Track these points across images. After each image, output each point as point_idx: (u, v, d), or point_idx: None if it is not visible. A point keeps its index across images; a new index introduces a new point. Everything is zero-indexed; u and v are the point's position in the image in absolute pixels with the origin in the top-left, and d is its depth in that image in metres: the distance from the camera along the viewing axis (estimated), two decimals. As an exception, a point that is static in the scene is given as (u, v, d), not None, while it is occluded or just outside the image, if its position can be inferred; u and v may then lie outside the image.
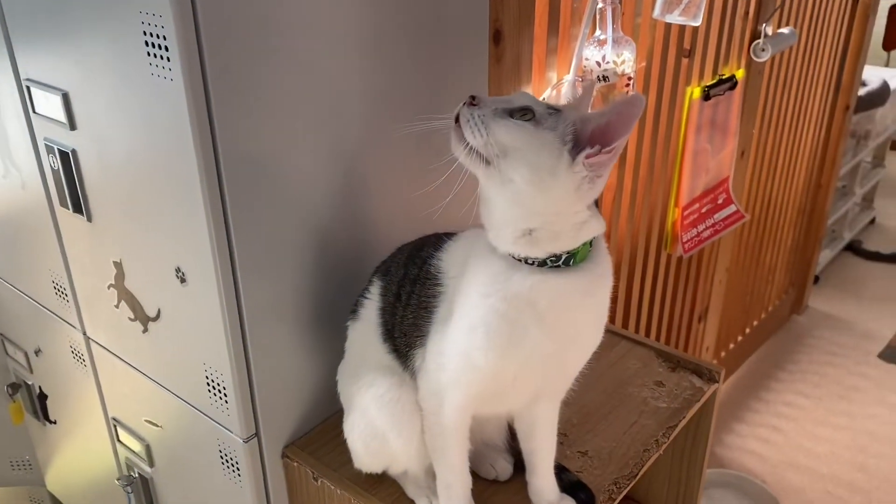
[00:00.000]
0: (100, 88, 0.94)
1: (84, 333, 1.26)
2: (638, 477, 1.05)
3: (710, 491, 2.56)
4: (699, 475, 1.29)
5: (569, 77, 1.40)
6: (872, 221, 4.17)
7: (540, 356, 0.83)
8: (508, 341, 0.81)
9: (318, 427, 1.12)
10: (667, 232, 2.02)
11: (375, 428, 0.95)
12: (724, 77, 1.92)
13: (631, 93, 1.38)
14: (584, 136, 0.76)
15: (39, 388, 1.51)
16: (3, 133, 1.16)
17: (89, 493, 1.56)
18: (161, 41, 0.82)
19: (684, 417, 1.14)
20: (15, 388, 1.56)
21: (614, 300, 1.84)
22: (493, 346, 0.81)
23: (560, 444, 1.11)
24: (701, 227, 2.08)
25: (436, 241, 0.93)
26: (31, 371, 1.49)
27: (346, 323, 1.03)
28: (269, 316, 1.00)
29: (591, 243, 0.81)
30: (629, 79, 1.37)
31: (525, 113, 0.76)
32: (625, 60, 1.36)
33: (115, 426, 1.31)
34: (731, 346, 2.94)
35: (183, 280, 0.98)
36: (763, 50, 2.01)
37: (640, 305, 2.04)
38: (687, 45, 1.76)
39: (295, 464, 1.07)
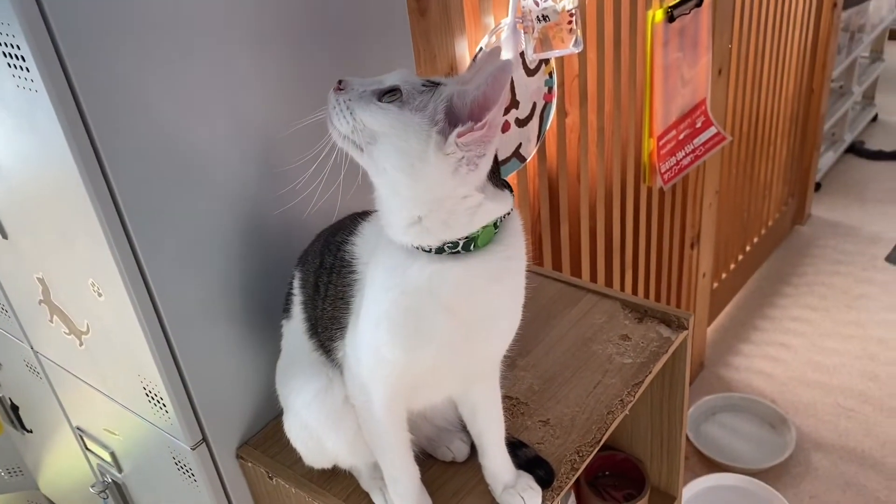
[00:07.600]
0: (-22, 105, 0.88)
1: (31, 348, 1.22)
2: (601, 443, 1.01)
3: (719, 416, 2.54)
4: (679, 426, 1.25)
5: (507, 20, 1.31)
6: (875, 119, 4.03)
7: (452, 345, 0.77)
8: (415, 335, 0.76)
9: (273, 423, 1.08)
10: (644, 164, 1.94)
11: (310, 430, 0.91)
12: (687, -6, 1.81)
13: (574, 30, 1.29)
14: (462, 112, 0.68)
15: (10, 399, 1.49)
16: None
17: (77, 496, 1.55)
18: (16, 50, 0.75)
19: (650, 372, 1.09)
20: (-12, 400, 1.54)
21: (588, 247, 1.78)
22: (398, 341, 0.76)
23: (521, 414, 1.07)
24: (680, 155, 1.99)
25: (350, 225, 0.87)
26: (0, 384, 1.47)
27: (280, 322, 0.99)
28: (196, 319, 0.95)
29: (496, 225, 0.74)
30: (571, 15, 1.28)
31: (393, 94, 0.69)
32: (563, -4, 1.26)
33: (80, 435, 1.28)
34: (732, 266, 2.88)
35: (99, 294, 0.93)
36: (729, -41, 1.89)
37: (624, 242, 1.97)
38: (641, -34, 1.65)
39: (249, 464, 1.04)
